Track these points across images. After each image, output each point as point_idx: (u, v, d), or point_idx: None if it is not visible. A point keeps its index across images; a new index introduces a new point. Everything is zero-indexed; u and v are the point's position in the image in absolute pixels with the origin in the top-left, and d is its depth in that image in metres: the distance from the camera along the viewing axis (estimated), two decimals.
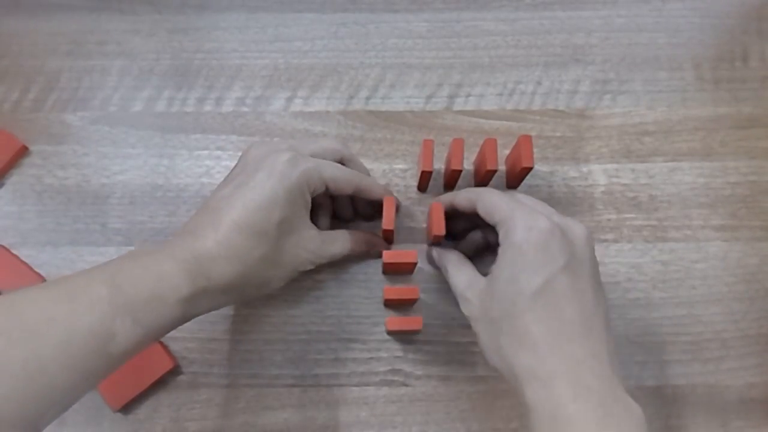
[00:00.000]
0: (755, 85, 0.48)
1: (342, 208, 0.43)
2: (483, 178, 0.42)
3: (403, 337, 0.42)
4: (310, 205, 0.37)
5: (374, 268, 0.43)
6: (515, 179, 0.43)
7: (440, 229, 0.37)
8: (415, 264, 0.40)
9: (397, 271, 0.43)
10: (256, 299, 0.42)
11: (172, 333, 0.41)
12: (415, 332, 0.42)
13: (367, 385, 0.41)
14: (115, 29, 0.49)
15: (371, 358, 0.42)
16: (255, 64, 0.48)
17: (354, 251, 0.40)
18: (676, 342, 0.42)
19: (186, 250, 0.32)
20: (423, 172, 0.41)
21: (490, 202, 0.34)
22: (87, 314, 0.28)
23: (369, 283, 0.43)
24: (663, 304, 0.43)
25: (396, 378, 0.41)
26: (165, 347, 0.41)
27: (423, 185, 0.44)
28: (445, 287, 0.43)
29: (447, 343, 0.42)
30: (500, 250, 0.33)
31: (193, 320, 0.42)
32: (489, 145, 0.40)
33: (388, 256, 0.39)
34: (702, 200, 0.45)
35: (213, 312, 0.42)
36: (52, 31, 0.49)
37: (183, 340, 0.42)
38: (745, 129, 0.46)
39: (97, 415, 0.41)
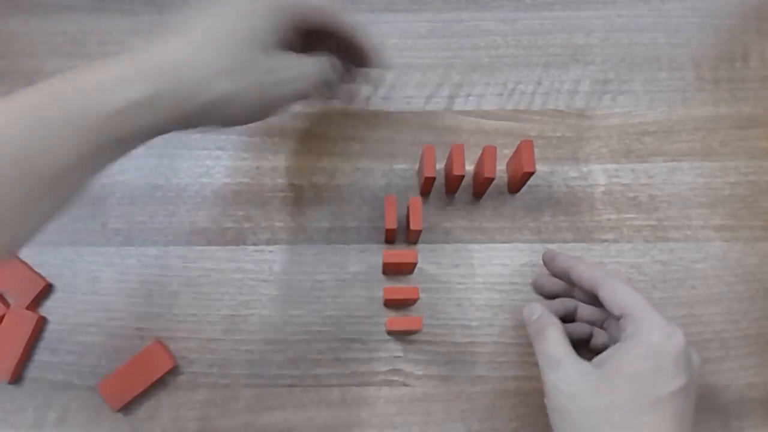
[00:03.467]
0: (755, 85, 0.48)
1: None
2: (482, 184, 0.42)
3: (403, 337, 0.42)
4: (284, 30, 0.34)
5: (374, 268, 0.43)
6: (517, 184, 0.43)
7: (417, 224, 0.39)
8: (415, 264, 0.40)
9: (397, 271, 0.43)
10: (227, 124, 0.36)
11: (173, 333, 0.42)
12: (415, 332, 0.42)
13: (367, 385, 0.41)
14: (115, 29, 0.49)
15: (371, 358, 0.42)
16: None
17: (331, 71, 0.38)
18: None
19: (146, 54, 0.31)
20: (426, 178, 0.41)
21: (622, 293, 0.34)
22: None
23: (369, 283, 0.43)
24: (663, 304, 0.43)
25: (396, 378, 0.41)
26: (165, 347, 0.41)
27: (426, 190, 0.44)
28: (445, 287, 0.43)
29: (447, 343, 0.42)
30: (626, 344, 0.33)
31: (193, 320, 0.42)
32: (488, 153, 0.40)
33: (388, 256, 0.39)
34: (702, 200, 0.45)
35: (213, 312, 0.42)
36: (52, 31, 0.49)
37: (183, 340, 0.42)
38: (745, 129, 0.46)
39: (97, 415, 0.41)
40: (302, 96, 0.36)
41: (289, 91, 0.35)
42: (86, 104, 0.28)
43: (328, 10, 0.37)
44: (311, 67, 0.36)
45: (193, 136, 0.46)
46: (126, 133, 0.29)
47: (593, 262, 0.38)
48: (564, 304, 0.40)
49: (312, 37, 0.37)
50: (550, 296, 0.41)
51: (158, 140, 0.46)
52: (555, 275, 0.41)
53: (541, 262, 0.42)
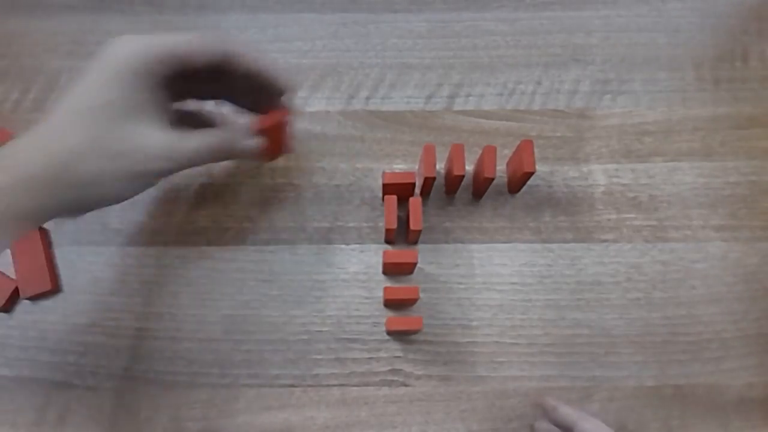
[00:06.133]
0: (755, 85, 0.48)
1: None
2: (482, 184, 0.42)
3: (403, 337, 0.42)
4: (155, 93, 0.32)
5: (374, 268, 0.43)
6: (517, 183, 0.43)
7: (417, 224, 0.39)
8: (415, 264, 0.40)
9: (397, 271, 0.43)
10: (104, 204, 0.34)
11: (172, 333, 0.42)
12: (415, 332, 0.42)
13: (367, 385, 0.41)
14: (115, 29, 0.49)
15: (371, 358, 0.42)
16: None
17: (216, 150, 0.35)
18: (676, 342, 0.42)
19: (5, 148, 0.29)
20: (426, 178, 0.41)
21: None
22: None
23: (369, 283, 0.43)
24: (663, 304, 0.43)
25: (396, 378, 0.41)
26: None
27: (426, 190, 0.44)
28: (445, 287, 0.43)
29: (447, 343, 0.42)
30: None
31: (193, 320, 0.42)
32: (488, 153, 0.40)
33: (388, 256, 0.39)
34: (702, 200, 0.45)
35: (213, 312, 0.42)
36: (52, 31, 0.49)
37: (183, 340, 0.42)
38: (745, 129, 0.46)
39: (97, 415, 0.41)
40: (177, 170, 0.34)
41: (159, 168, 0.33)
42: None
43: (220, 48, 0.32)
44: (186, 144, 0.33)
45: None
46: (5, 215, 0.28)
47: (597, 422, 0.36)
48: None
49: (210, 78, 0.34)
50: None
51: None
52: (556, 425, 0.39)
53: (543, 392, 0.41)
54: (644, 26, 0.49)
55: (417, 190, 0.44)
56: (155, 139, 0.32)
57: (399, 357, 0.42)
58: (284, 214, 0.44)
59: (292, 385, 0.41)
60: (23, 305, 0.43)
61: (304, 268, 0.43)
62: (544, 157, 0.46)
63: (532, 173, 0.40)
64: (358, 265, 0.43)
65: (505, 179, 0.45)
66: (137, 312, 0.42)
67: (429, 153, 0.40)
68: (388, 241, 0.44)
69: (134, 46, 0.31)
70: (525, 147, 0.40)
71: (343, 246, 0.44)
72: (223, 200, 0.45)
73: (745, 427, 0.40)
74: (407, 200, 0.40)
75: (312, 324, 0.42)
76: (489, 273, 0.43)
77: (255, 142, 0.37)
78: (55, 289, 0.43)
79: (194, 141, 0.34)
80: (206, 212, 0.44)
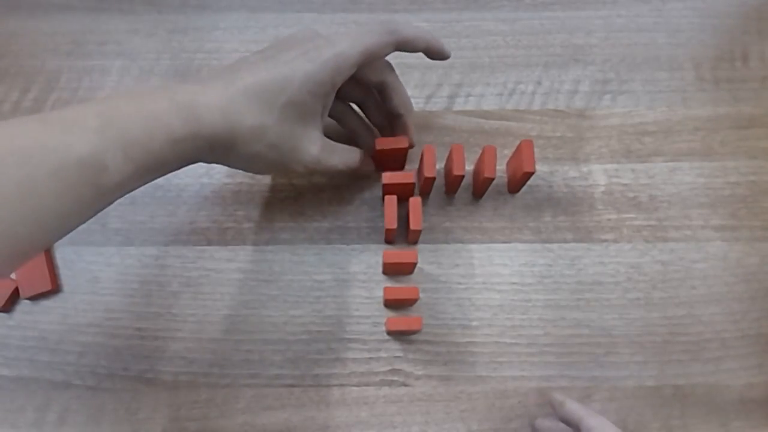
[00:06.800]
0: (755, 85, 0.48)
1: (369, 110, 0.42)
2: (482, 184, 0.42)
3: (403, 337, 0.42)
4: (330, 100, 0.36)
5: (374, 268, 0.43)
6: (517, 184, 0.43)
7: (417, 224, 0.39)
8: (415, 264, 0.40)
9: (397, 271, 0.43)
10: (241, 170, 0.38)
11: (173, 333, 0.42)
12: (415, 332, 0.42)
13: (367, 385, 0.41)
14: (115, 29, 0.49)
15: (371, 358, 0.42)
16: None
17: (350, 168, 0.40)
18: (676, 342, 0.42)
19: (187, 95, 0.32)
20: (426, 179, 0.41)
21: None
22: (79, 144, 0.28)
23: (369, 283, 0.43)
24: (663, 304, 0.43)
25: (396, 378, 0.41)
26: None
27: (426, 190, 0.44)
28: (445, 287, 0.43)
29: (447, 343, 0.42)
30: None
31: (193, 320, 0.42)
32: (488, 153, 0.40)
33: (388, 256, 0.39)
34: (702, 200, 0.45)
35: (213, 312, 0.42)
36: (52, 31, 0.49)
37: (183, 340, 0.42)
38: (745, 129, 0.47)
39: (97, 415, 0.41)
40: (309, 175, 0.38)
41: (298, 171, 0.37)
42: (142, 132, 0.30)
43: (388, 42, 0.36)
44: (328, 160, 0.38)
45: None
46: (170, 159, 0.32)
47: (603, 419, 0.36)
48: None
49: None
50: None
51: None
52: (562, 421, 0.39)
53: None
54: (644, 26, 0.49)
55: (417, 191, 0.44)
56: (311, 147, 0.36)
57: (399, 357, 0.42)
58: (284, 214, 0.44)
59: (292, 385, 0.41)
60: (23, 305, 0.43)
61: (304, 268, 0.43)
62: (544, 157, 0.46)
63: (532, 173, 0.40)
64: (358, 265, 0.43)
65: (505, 179, 0.45)
66: (137, 312, 0.42)
67: (429, 153, 0.40)
68: (388, 241, 0.44)
69: (327, 59, 0.34)
70: (525, 147, 0.40)
71: (343, 246, 0.44)
72: (223, 200, 0.45)
73: (745, 427, 0.40)
74: (407, 200, 0.40)
75: (312, 324, 0.42)
76: (489, 273, 0.43)
77: (373, 166, 0.43)
78: (55, 289, 0.43)
79: (335, 159, 0.38)
80: (206, 212, 0.44)
